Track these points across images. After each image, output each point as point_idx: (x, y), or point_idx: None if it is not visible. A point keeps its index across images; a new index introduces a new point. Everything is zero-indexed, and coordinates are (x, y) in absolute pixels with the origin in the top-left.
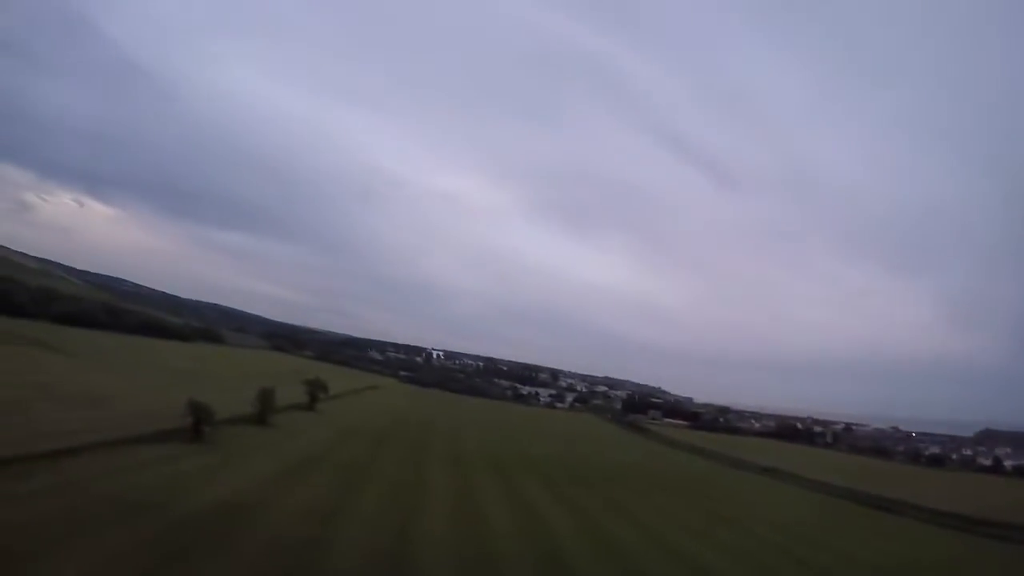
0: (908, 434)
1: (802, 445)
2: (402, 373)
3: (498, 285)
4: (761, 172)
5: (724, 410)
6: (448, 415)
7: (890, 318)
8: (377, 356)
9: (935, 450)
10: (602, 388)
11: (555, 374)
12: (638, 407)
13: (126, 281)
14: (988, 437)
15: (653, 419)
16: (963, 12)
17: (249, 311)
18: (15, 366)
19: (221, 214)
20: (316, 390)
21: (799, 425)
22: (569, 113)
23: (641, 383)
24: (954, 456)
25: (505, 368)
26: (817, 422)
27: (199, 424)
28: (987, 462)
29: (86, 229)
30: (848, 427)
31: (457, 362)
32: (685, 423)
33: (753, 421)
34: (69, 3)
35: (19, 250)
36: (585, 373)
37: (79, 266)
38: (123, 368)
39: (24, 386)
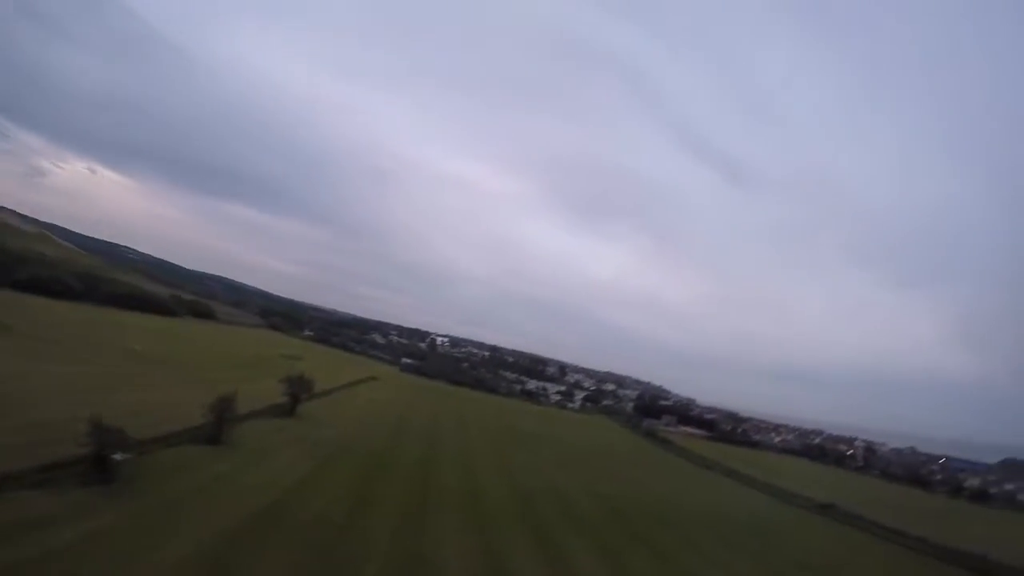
0: (934, 458)
1: (831, 467)
2: (404, 360)
3: (507, 273)
4: (778, 173)
5: (734, 416)
6: (455, 420)
7: (893, 332)
8: (380, 339)
9: (974, 482)
10: (610, 386)
11: (562, 368)
12: (650, 411)
13: (130, 249)
14: (1010, 467)
15: (667, 425)
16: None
17: (253, 285)
18: None
19: (233, 187)
20: (299, 390)
21: (817, 440)
22: (588, 106)
23: (643, 380)
24: (993, 490)
25: (511, 359)
26: (832, 438)
27: (103, 457)
28: None
29: (96, 196)
30: (870, 447)
31: (462, 350)
32: (703, 433)
33: (773, 434)
34: None
35: (26, 214)
36: (589, 367)
37: (86, 232)
38: (68, 351)
39: None
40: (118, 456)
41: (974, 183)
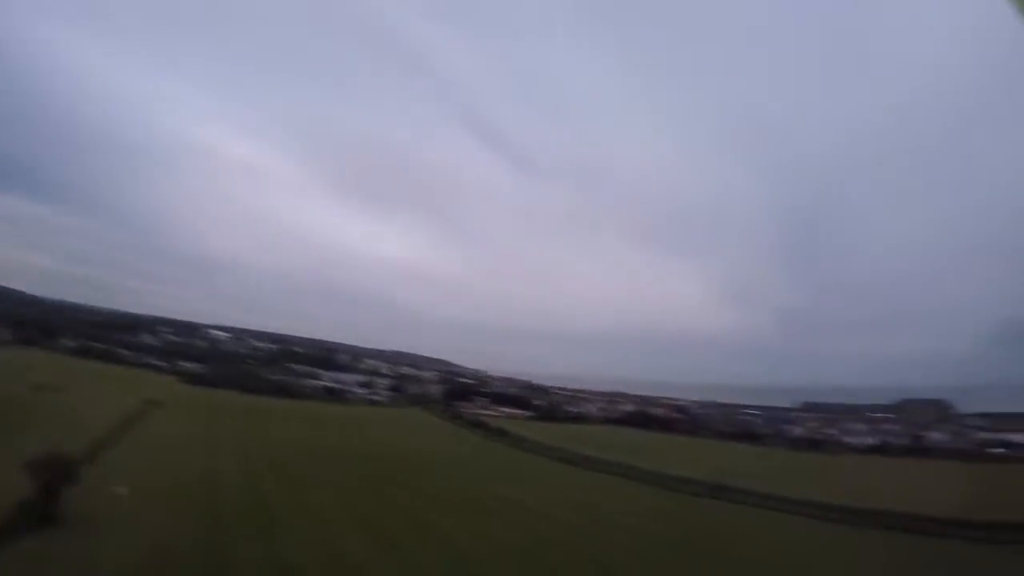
0: (738, 407)
1: (665, 433)
2: (184, 365)
3: (281, 257)
4: (562, 163)
5: (532, 387)
6: (272, 462)
7: (663, 294)
8: (151, 340)
9: (798, 431)
10: (407, 369)
11: (355, 354)
12: (460, 393)
13: None
14: (813, 409)
15: (484, 408)
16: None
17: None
18: None
19: None
20: (54, 480)
21: (629, 405)
22: (362, 82)
23: (431, 357)
24: (818, 436)
25: (301, 350)
26: (642, 400)
27: None
28: (860, 440)
29: None
30: (680, 407)
31: (244, 343)
32: (525, 413)
33: (588, 404)
34: None
35: None
36: (375, 347)
37: None
38: None
39: None
40: None
41: (741, 164)
